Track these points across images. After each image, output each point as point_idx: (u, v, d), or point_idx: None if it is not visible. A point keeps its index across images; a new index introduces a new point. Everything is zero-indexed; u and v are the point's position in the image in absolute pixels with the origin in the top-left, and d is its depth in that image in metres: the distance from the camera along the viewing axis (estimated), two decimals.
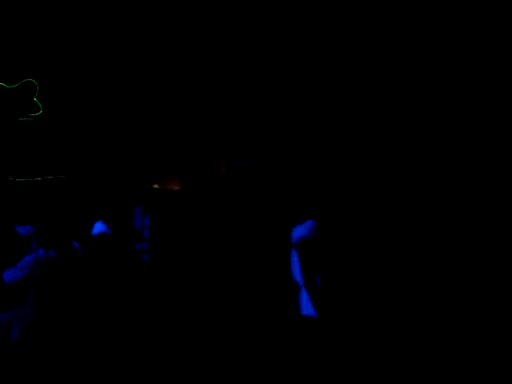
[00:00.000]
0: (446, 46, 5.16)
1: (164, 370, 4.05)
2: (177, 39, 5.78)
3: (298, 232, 3.92)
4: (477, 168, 4.88)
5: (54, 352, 3.57)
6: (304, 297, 3.82)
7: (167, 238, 5.38)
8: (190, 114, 5.83)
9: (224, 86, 5.77)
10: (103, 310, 4.41)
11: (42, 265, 3.64)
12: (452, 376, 3.89)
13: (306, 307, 3.80)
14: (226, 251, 5.11)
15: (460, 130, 5.01)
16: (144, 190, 5.66)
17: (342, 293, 4.00)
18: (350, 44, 5.44)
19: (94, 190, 5.44)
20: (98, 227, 4.73)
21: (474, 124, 4.97)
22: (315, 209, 4.18)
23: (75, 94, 5.73)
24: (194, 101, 5.81)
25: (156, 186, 5.47)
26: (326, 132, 5.49)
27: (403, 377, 3.91)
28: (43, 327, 3.54)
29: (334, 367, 3.79)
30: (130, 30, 5.78)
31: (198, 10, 5.64)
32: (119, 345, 4.21)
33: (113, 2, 5.72)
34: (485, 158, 4.89)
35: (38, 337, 3.49)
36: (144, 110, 5.86)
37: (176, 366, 4.08)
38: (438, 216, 4.88)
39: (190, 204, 5.46)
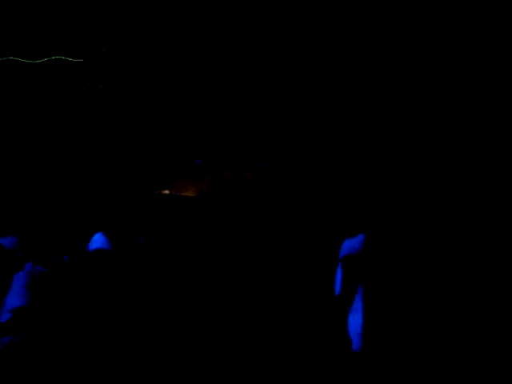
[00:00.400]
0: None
1: None
2: (199, 46, 5.79)
3: (349, 246, 3.46)
4: None
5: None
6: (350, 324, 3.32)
7: (182, 254, 4.69)
8: (210, 114, 5.46)
9: (248, 87, 5.65)
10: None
11: (35, 279, 3.27)
12: None
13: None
14: (253, 268, 4.39)
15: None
16: (154, 196, 5.07)
17: (390, 322, 3.35)
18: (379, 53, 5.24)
19: (94, 194, 4.81)
20: (97, 241, 4.03)
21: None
22: (367, 221, 3.67)
23: (81, 95, 5.37)
24: (215, 102, 5.58)
25: (167, 191, 4.95)
26: (373, 133, 5.06)
27: None
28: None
29: None
30: (152, 39, 5.82)
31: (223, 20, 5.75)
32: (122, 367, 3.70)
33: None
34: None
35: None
36: (160, 108, 5.50)
37: None
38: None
39: (210, 213, 4.77)
